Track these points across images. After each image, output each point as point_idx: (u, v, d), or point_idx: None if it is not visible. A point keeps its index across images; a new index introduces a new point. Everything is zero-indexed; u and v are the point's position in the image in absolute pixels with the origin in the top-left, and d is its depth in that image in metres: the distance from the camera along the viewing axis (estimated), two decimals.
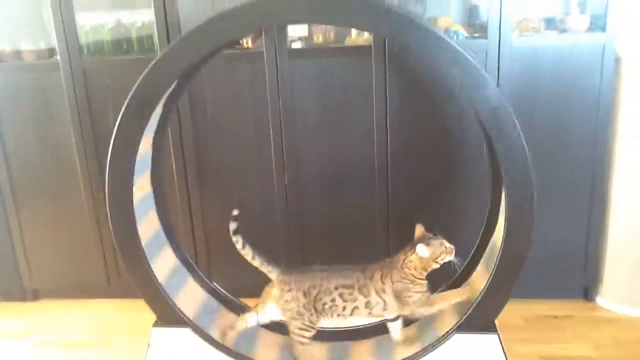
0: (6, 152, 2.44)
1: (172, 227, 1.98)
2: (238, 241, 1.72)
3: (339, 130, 2.27)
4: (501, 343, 1.65)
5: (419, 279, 1.68)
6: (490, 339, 1.66)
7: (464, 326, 1.67)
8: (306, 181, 2.34)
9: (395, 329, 1.81)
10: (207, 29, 1.58)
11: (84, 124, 2.35)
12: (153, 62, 1.59)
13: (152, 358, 1.81)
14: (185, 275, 1.97)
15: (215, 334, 1.81)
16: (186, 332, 1.81)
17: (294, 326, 1.73)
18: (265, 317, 1.78)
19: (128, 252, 1.75)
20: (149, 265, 1.77)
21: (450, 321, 1.74)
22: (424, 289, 1.69)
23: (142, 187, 1.81)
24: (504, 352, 1.64)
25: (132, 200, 1.71)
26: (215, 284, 2.03)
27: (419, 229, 1.73)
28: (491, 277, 1.64)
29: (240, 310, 1.95)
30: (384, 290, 1.69)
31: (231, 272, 2.06)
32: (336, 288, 1.70)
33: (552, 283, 2.39)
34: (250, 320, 1.79)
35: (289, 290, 1.71)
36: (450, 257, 1.67)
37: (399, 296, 1.68)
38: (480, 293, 1.66)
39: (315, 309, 1.71)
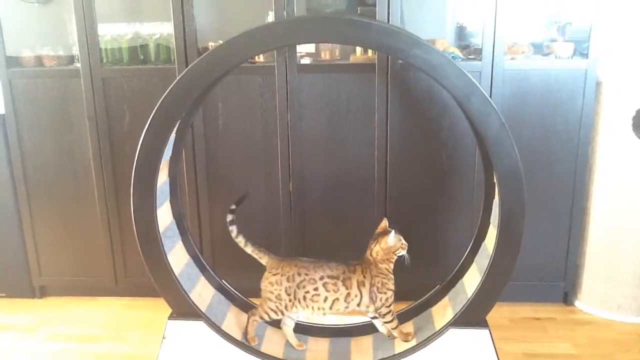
0: (23, 153, 2.52)
1: (185, 224, 2.10)
2: (233, 230, 1.91)
3: (343, 141, 2.40)
4: (491, 337, 1.80)
5: (390, 273, 1.87)
6: (481, 333, 1.81)
7: (459, 322, 1.82)
8: (310, 189, 2.46)
9: (379, 325, 1.97)
10: (228, 48, 1.70)
11: (100, 130, 2.45)
12: (179, 77, 1.70)
13: (166, 349, 1.91)
14: (197, 272, 2.08)
15: (231, 329, 1.94)
16: (199, 325, 1.91)
17: (267, 305, 1.88)
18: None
19: (148, 249, 1.84)
20: (168, 261, 1.87)
21: (445, 317, 1.89)
22: (393, 287, 1.87)
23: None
24: (494, 345, 1.79)
25: (155, 202, 1.80)
26: (224, 281, 2.15)
27: (384, 223, 1.92)
28: (484, 278, 1.78)
29: (245, 305, 2.09)
30: (364, 284, 1.85)
31: (235, 274, 2.19)
32: (321, 278, 1.85)
33: (535, 288, 2.54)
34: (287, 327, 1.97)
35: (275, 274, 1.87)
36: (404, 252, 1.87)
37: (373, 291, 1.84)
38: (474, 292, 1.81)
39: (295, 296, 1.85)
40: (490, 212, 1.97)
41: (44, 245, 2.66)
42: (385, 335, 1.98)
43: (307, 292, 1.85)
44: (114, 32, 2.46)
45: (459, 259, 2.06)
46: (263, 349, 1.93)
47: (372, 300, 1.85)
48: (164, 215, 1.95)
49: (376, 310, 1.87)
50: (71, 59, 2.53)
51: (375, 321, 1.96)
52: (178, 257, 1.99)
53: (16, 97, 2.46)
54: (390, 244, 1.84)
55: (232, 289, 2.14)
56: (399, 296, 2.56)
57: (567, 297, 2.57)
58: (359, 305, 1.87)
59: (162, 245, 1.84)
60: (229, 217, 1.91)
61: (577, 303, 2.56)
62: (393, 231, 1.84)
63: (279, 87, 2.33)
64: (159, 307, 2.50)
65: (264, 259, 1.91)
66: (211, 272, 2.13)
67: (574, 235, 2.47)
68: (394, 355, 1.87)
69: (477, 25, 2.45)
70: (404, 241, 1.88)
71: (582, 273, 2.52)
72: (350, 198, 2.47)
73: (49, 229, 2.63)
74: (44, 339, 2.41)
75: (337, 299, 1.85)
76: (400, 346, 1.90)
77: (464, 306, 1.83)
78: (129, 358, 2.25)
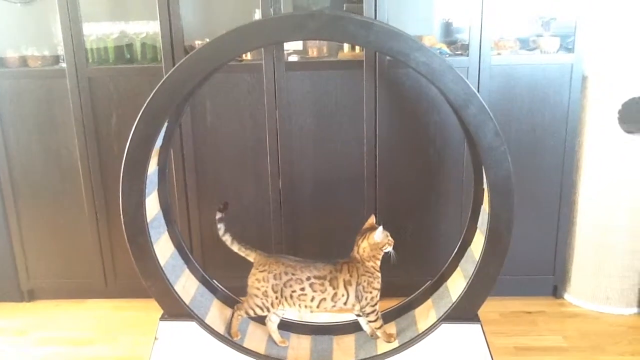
0: (8, 155, 2.49)
1: (174, 223, 2.09)
2: (221, 228, 1.91)
3: (331, 138, 2.40)
4: (483, 331, 1.81)
5: (377, 271, 1.87)
6: (473, 328, 1.82)
7: (450, 317, 1.83)
8: (299, 187, 2.46)
9: (364, 324, 1.98)
10: (216, 46, 1.69)
11: (87, 130, 2.42)
12: (166, 76, 1.69)
13: (158, 350, 1.91)
14: (181, 265, 2.08)
15: (214, 323, 1.94)
16: (191, 325, 1.91)
17: (252, 301, 1.89)
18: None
19: (138, 249, 1.82)
20: (159, 263, 1.86)
21: (429, 318, 1.90)
22: (379, 286, 1.87)
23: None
24: (486, 339, 1.81)
25: (145, 206, 1.79)
26: (215, 281, 2.14)
27: (371, 219, 1.93)
28: (474, 273, 1.80)
29: (228, 298, 2.10)
30: (350, 283, 1.85)
31: (224, 273, 2.18)
32: (308, 279, 1.85)
33: (525, 282, 2.56)
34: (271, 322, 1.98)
35: (262, 271, 1.87)
36: (390, 248, 1.87)
37: (359, 290, 1.85)
38: (465, 288, 1.82)
39: (282, 294, 1.86)
40: (478, 215, 1.98)
41: (31, 248, 2.63)
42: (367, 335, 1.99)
43: (294, 291, 1.86)
44: (100, 31, 2.43)
45: (448, 256, 2.07)
46: (246, 344, 1.93)
47: (358, 299, 1.86)
48: (151, 206, 1.94)
49: (361, 309, 1.88)
50: (56, 59, 2.50)
51: (360, 319, 1.97)
52: (163, 249, 1.98)
53: (1, 98, 2.43)
54: (377, 240, 1.85)
55: (215, 282, 2.14)
56: (387, 293, 2.58)
57: (556, 290, 2.59)
58: (345, 303, 1.87)
59: (150, 239, 1.82)
60: (218, 215, 1.91)
61: (566, 296, 2.58)
62: (381, 227, 1.84)
63: (267, 85, 2.32)
64: (150, 308, 2.48)
65: (251, 256, 1.92)
66: (202, 271, 2.13)
67: (563, 229, 2.49)
68: (377, 355, 1.87)
69: (464, 21, 2.46)
70: (390, 237, 1.88)
71: (571, 266, 2.54)
72: (340, 195, 2.47)
73: (37, 231, 2.61)
74: (34, 343, 2.39)
75: (324, 298, 1.86)
76: (383, 346, 1.91)
77: (455, 301, 1.83)
78: None
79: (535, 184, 2.43)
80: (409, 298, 2.10)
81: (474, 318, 1.84)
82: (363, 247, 1.86)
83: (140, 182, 1.76)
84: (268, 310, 1.90)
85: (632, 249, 2.38)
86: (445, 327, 1.82)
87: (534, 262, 2.53)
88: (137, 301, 2.64)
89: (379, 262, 1.88)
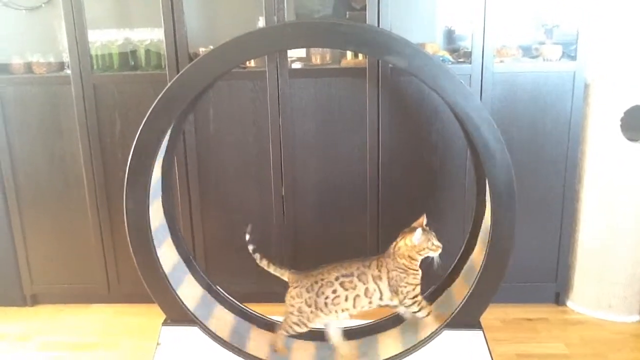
0: (13, 160, 2.51)
1: (178, 230, 2.10)
2: (257, 256, 1.93)
3: (334, 145, 2.41)
4: (485, 338, 1.81)
5: (411, 269, 1.82)
6: (475, 334, 1.82)
7: (453, 323, 1.84)
8: (302, 193, 2.47)
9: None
10: (220, 54, 1.71)
11: (91, 136, 2.44)
12: (170, 83, 1.71)
13: (161, 355, 1.91)
14: (185, 273, 2.09)
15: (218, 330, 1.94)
16: (194, 331, 1.92)
17: (289, 319, 1.88)
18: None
19: (142, 256, 1.84)
20: (162, 269, 1.87)
21: (439, 320, 1.90)
22: (417, 281, 1.83)
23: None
24: (488, 346, 1.81)
25: (148, 212, 1.81)
26: (219, 287, 2.15)
27: (422, 219, 1.88)
28: (476, 280, 1.81)
29: (231, 305, 2.11)
30: (380, 278, 1.83)
31: (227, 279, 2.19)
32: (337, 279, 1.84)
33: (527, 289, 2.56)
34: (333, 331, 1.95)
35: (295, 287, 1.86)
36: (434, 254, 1.83)
37: (392, 285, 1.82)
38: (467, 294, 1.83)
39: (316, 304, 1.84)
40: (480, 222, 1.98)
41: (35, 253, 2.64)
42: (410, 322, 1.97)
43: (327, 297, 1.84)
44: (104, 38, 2.45)
45: (450, 263, 2.07)
46: (248, 350, 1.94)
47: (395, 293, 1.83)
48: (155, 213, 1.94)
49: (400, 302, 1.84)
50: (61, 66, 2.52)
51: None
52: (167, 257, 1.99)
53: (6, 105, 2.45)
54: (415, 243, 1.81)
55: (218, 288, 2.14)
56: None
57: (558, 297, 2.59)
58: (381, 299, 1.84)
59: (155, 248, 1.83)
60: (251, 247, 1.93)
61: (568, 303, 2.58)
62: (420, 229, 1.80)
63: (270, 92, 2.33)
64: (152, 314, 2.49)
65: (285, 275, 1.92)
66: (203, 275, 2.13)
67: (565, 236, 2.49)
68: (388, 358, 1.87)
69: (466, 28, 2.47)
70: (436, 242, 1.83)
71: (574, 273, 2.54)
72: (343, 202, 2.47)
73: (40, 236, 2.62)
74: (37, 347, 2.40)
75: (358, 295, 1.83)
76: (385, 351, 1.90)
77: (457, 307, 1.84)
78: None
79: (538, 191, 2.43)
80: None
81: (476, 325, 1.84)
82: (399, 245, 1.83)
83: (143, 189, 1.77)
84: (305, 325, 1.88)
85: (635, 256, 2.38)
86: (448, 334, 1.83)
87: (536, 269, 2.53)
88: (140, 306, 2.64)
89: (416, 263, 1.83)
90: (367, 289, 1.83)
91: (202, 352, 1.90)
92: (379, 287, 1.83)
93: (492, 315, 2.45)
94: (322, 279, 1.85)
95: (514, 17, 2.47)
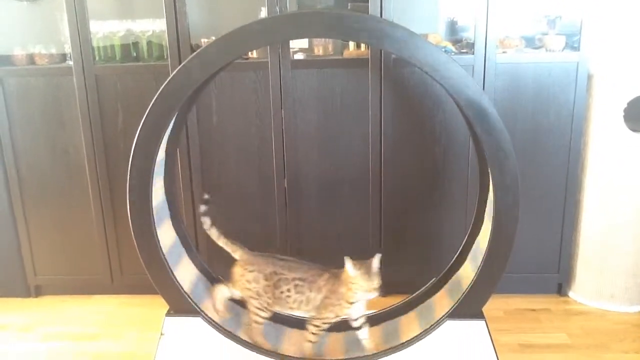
0: (16, 152, 2.51)
1: (181, 218, 2.10)
2: (206, 222, 1.87)
3: (337, 136, 2.41)
4: (488, 328, 1.81)
5: (345, 300, 1.76)
6: (478, 324, 1.83)
7: (455, 313, 1.84)
8: (305, 184, 2.47)
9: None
10: (222, 45, 1.69)
11: (94, 127, 2.44)
12: (173, 74, 1.70)
13: (164, 345, 1.92)
14: (191, 266, 2.09)
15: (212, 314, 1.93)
16: (197, 321, 1.92)
17: (252, 305, 1.85)
18: (234, 293, 1.91)
19: (146, 248, 1.83)
20: (166, 260, 1.87)
21: (442, 310, 1.91)
22: (341, 313, 1.79)
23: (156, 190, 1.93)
24: (490, 336, 1.81)
25: (151, 199, 1.81)
26: (221, 277, 2.15)
27: (375, 259, 1.77)
28: (479, 270, 1.80)
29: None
30: (320, 291, 1.80)
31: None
32: (293, 279, 1.81)
33: (530, 280, 2.57)
34: (221, 291, 1.92)
35: (252, 271, 1.83)
36: (365, 295, 1.74)
37: (323, 303, 1.79)
38: (470, 284, 1.83)
39: (274, 295, 1.82)
40: (484, 212, 1.98)
41: (38, 244, 2.65)
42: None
43: (282, 291, 1.82)
44: (106, 29, 2.45)
45: (454, 253, 2.08)
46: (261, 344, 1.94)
47: (318, 310, 1.81)
48: (159, 208, 1.95)
49: (310, 319, 1.83)
50: (63, 57, 2.52)
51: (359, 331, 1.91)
52: (173, 251, 1.99)
53: (8, 96, 2.45)
54: (350, 274, 1.74)
55: (221, 278, 2.12)
56: (392, 290, 2.58)
57: (561, 288, 2.60)
58: (309, 310, 1.82)
59: (157, 238, 1.83)
60: (202, 208, 1.88)
61: (571, 294, 2.59)
62: (350, 263, 1.74)
63: (273, 83, 2.33)
64: (155, 304, 2.51)
65: (237, 253, 1.87)
66: (205, 266, 2.13)
67: (568, 227, 2.49)
68: (398, 345, 1.87)
69: (469, 19, 2.46)
70: (372, 284, 1.73)
71: (576, 264, 2.54)
72: (345, 193, 2.48)
73: (44, 227, 2.63)
74: (40, 338, 2.41)
75: (302, 301, 1.82)
76: (402, 337, 1.91)
77: (459, 299, 1.84)
78: (126, 356, 2.25)
79: (540, 182, 2.43)
80: (422, 289, 2.08)
81: (478, 315, 1.85)
82: (346, 270, 1.77)
83: (147, 185, 1.77)
84: (269, 310, 1.85)
85: (637, 246, 2.38)
86: (450, 324, 1.83)
87: (538, 260, 2.53)
88: (143, 297, 2.65)
89: (352, 295, 1.76)
90: (308, 297, 1.81)
91: (205, 342, 1.90)
92: (315, 298, 1.80)
93: (494, 305, 2.46)
94: (282, 274, 1.82)
95: (517, 7, 2.46)
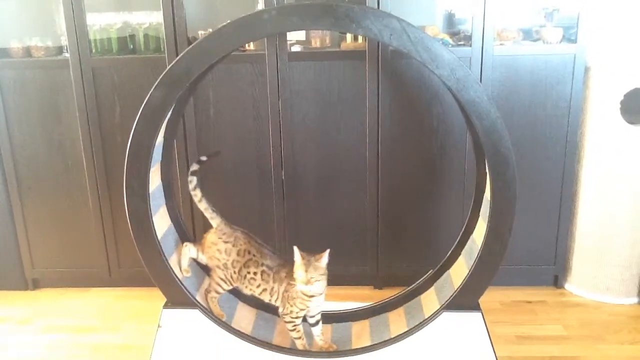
0: (13, 145, 2.51)
1: (177, 210, 2.09)
2: (192, 180, 1.87)
3: (334, 128, 2.41)
4: (484, 320, 1.82)
5: (302, 294, 1.75)
6: (474, 316, 1.83)
7: (452, 305, 1.85)
8: (302, 176, 2.47)
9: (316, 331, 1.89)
10: (219, 37, 1.69)
11: (91, 120, 2.44)
12: (169, 66, 1.68)
13: (162, 338, 1.92)
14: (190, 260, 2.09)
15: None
16: (195, 313, 1.92)
17: (216, 274, 1.86)
18: (201, 257, 1.91)
19: (143, 240, 1.82)
20: (162, 252, 1.87)
21: (432, 305, 1.92)
22: (298, 308, 1.78)
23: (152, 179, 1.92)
24: (487, 328, 1.82)
25: (148, 191, 1.80)
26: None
27: (327, 253, 1.74)
28: (475, 263, 1.80)
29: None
30: (282, 282, 1.80)
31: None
32: (262, 264, 1.81)
33: (526, 272, 2.58)
34: (189, 250, 1.91)
35: (226, 242, 1.83)
36: (303, 287, 1.71)
37: (285, 296, 1.81)
38: (466, 276, 1.83)
39: (240, 272, 1.82)
40: (480, 204, 1.98)
41: (36, 237, 2.65)
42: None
43: (249, 272, 1.82)
44: (103, 21, 2.44)
45: (450, 245, 2.08)
46: (251, 333, 1.94)
47: (282, 302, 1.82)
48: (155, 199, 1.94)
49: (280, 315, 1.84)
50: (60, 50, 2.51)
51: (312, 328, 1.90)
52: (169, 243, 1.98)
53: (4, 89, 2.45)
54: (295, 262, 1.73)
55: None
56: (390, 282, 2.59)
57: (557, 280, 2.61)
58: (275, 301, 1.83)
59: (155, 231, 1.82)
60: (194, 167, 1.87)
61: (567, 286, 2.60)
62: (298, 252, 1.72)
63: (270, 75, 2.33)
64: (153, 297, 2.51)
65: (215, 221, 1.87)
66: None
67: (564, 220, 2.50)
68: (388, 339, 1.88)
69: (467, 12, 2.46)
70: (309, 275, 1.70)
71: (572, 256, 2.55)
72: (342, 185, 2.48)
73: (41, 220, 2.63)
74: (38, 330, 2.41)
75: (265, 289, 1.83)
76: (394, 330, 1.92)
77: (456, 290, 1.84)
78: (124, 348, 2.26)
79: (537, 174, 2.44)
80: (412, 286, 2.10)
81: (475, 306, 1.85)
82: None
83: (144, 176, 1.76)
84: (231, 284, 1.85)
85: (633, 239, 2.39)
86: (447, 315, 1.84)
87: (535, 252, 2.54)
88: (141, 290, 2.66)
89: (294, 287, 1.76)
90: (272, 288, 1.82)
91: (203, 334, 1.91)
92: (279, 290, 1.81)
93: (491, 297, 2.48)
94: (254, 255, 1.81)
95: (514, 0, 2.45)
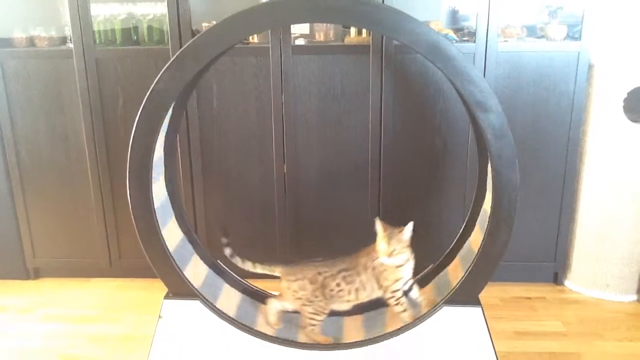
0: (15, 135, 2.51)
1: (179, 201, 2.10)
2: (237, 260, 1.92)
3: (337, 123, 2.41)
4: (484, 314, 1.83)
5: (389, 268, 1.81)
6: (474, 311, 1.84)
7: (452, 300, 1.85)
8: (304, 171, 2.47)
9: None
10: (223, 29, 1.69)
11: (94, 111, 2.44)
12: (173, 58, 1.68)
13: (162, 328, 1.92)
14: (190, 249, 2.09)
15: (225, 307, 1.96)
16: (195, 304, 1.93)
17: (306, 312, 1.86)
18: (285, 306, 1.94)
19: (145, 229, 1.83)
20: (164, 241, 1.88)
21: (439, 295, 1.92)
22: (394, 277, 1.82)
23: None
24: (486, 323, 1.83)
25: (150, 183, 1.80)
26: (219, 261, 2.16)
27: (410, 226, 1.81)
28: (477, 257, 1.81)
29: (237, 283, 2.13)
30: (366, 267, 1.84)
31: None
32: (339, 272, 1.84)
33: (526, 268, 2.58)
34: (274, 305, 1.95)
35: (295, 280, 1.86)
36: (388, 260, 1.78)
37: (377, 277, 1.84)
38: (467, 270, 1.84)
39: (324, 295, 1.84)
40: (482, 201, 1.99)
41: (37, 227, 2.66)
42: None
43: (332, 289, 1.84)
44: (107, 12, 2.43)
45: (452, 241, 2.09)
46: (258, 328, 1.95)
47: (379, 284, 1.85)
48: (159, 192, 1.95)
49: (383, 295, 1.86)
50: (63, 40, 2.51)
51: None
52: (172, 234, 1.99)
53: (8, 79, 2.44)
54: (378, 231, 1.80)
55: (225, 267, 2.15)
56: None
57: (557, 277, 2.62)
58: (373, 289, 1.85)
59: (157, 220, 1.83)
60: (228, 251, 1.93)
61: (566, 283, 2.60)
62: (380, 223, 1.80)
63: (273, 69, 2.33)
64: (153, 288, 2.53)
65: (276, 270, 1.91)
66: (204, 250, 2.14)
67: (565, 217, 2.50)
68: (386, 334, 1.89)
69: (471, 8, 2.45)
70: (393, 250, 1.78)
71: (572, 253, 2.56)
72: (344, 180, 2.48)
73: (43, 211, 2.63)
74: (39, 320, 2.42)
75: (358, 288, 1.85)
76: (391, 324, 1.93)
77: (457, 284, 1.85)
78: (124, 338, 2.27)
79: (539, 171, 2.44)
80: (417, 276, 2.09)
81: (475, 301, 1.86)
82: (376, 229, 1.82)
83: (146, 167, 1.76)
84: (323, 313, 1.87)
85: (633, 236, 2.40)
86: (447, 310, 1.84)
87: (535, 248, 2.55)
88: (142, 280, 2.67)
89: (379, 260, 1.82)
90: (361, 281, 1.84)
91: (204, 326, 1.91)
92: (369, 278, 1.84)
93: (491, 293, 2.48)
94: (326, 272, 1.84)
95: None
